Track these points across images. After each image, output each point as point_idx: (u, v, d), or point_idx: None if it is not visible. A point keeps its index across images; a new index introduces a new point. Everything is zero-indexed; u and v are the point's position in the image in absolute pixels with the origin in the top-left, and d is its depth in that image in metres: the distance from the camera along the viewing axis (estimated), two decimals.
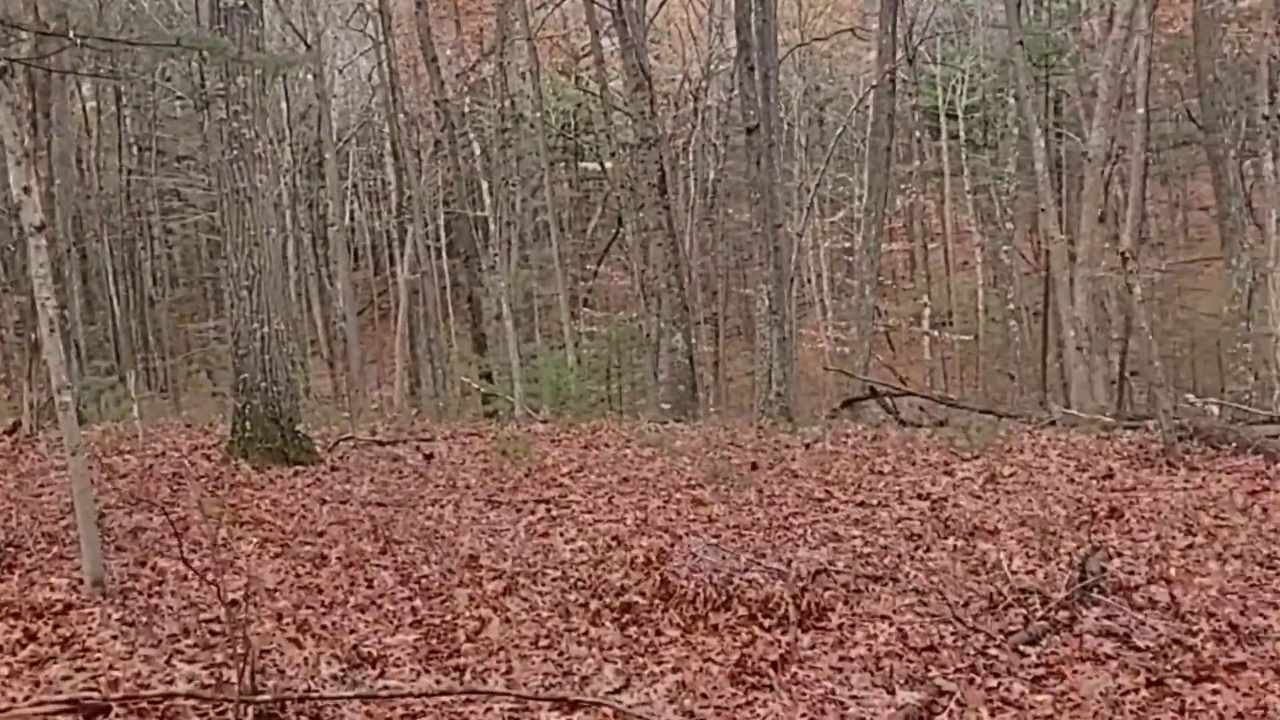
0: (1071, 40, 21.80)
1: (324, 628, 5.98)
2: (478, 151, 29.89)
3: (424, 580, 6.84)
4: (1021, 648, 5.79)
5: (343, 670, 5.40)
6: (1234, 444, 10.25)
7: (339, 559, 7.24)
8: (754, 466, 10.24)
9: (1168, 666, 5.44)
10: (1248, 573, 6.82)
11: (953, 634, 5.96)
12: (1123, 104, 17.64)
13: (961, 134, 26.13)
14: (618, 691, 5.18)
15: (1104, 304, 19.06)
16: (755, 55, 17.30)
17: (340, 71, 33.75)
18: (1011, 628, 6.02)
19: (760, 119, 16.81)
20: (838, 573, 6.81)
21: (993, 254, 26.29)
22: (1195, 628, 5.94)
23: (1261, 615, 6.13)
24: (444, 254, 32.15)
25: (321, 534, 7.89)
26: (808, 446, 11.44)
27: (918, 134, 31.57)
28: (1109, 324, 20.72)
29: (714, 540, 7.50)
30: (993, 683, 5.39)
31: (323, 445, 10.84)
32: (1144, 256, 23.70)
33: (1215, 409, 13.04)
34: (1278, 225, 13.10)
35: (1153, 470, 9.66)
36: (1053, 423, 12.98)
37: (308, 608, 6.30)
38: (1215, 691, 5.19)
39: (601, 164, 34.16)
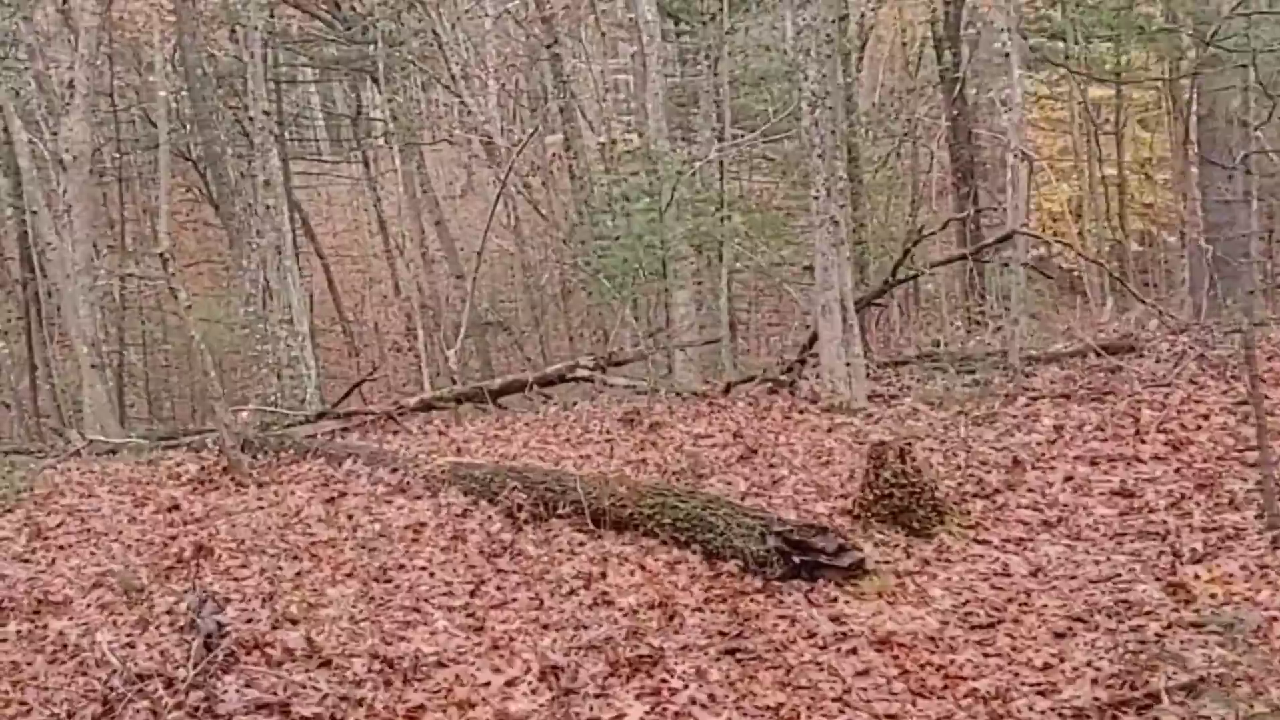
0: (25, 30, 19.61)
1: None
2: None
3: None
4: None
5: None
6: (291, 450, 9.70)
7: None
8: None
9: None
10: (370, 592, 6.22)
11: None
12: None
13: None
14: None
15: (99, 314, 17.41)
16: None
17: None
18: None
19: None
20: None
21: None
22: (352, 674, 5.14)
23: (405, 640, 5.55)
24: None
25: None
26: None
27: None
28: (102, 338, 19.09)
29: None
30: None
31: None
32: (129, 264, 22.47)
33: (246, 415, 12.42)
34: (288, 221, 12.96)
35: (221, 493, 8.67)
36: (78, 453, 11.28)
37: None
38: None
39: None
